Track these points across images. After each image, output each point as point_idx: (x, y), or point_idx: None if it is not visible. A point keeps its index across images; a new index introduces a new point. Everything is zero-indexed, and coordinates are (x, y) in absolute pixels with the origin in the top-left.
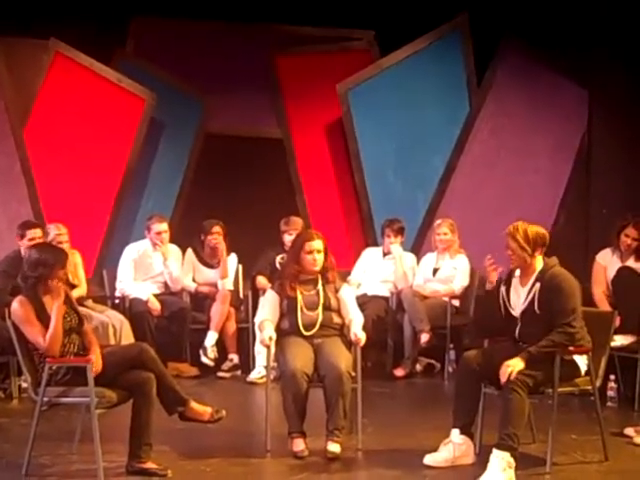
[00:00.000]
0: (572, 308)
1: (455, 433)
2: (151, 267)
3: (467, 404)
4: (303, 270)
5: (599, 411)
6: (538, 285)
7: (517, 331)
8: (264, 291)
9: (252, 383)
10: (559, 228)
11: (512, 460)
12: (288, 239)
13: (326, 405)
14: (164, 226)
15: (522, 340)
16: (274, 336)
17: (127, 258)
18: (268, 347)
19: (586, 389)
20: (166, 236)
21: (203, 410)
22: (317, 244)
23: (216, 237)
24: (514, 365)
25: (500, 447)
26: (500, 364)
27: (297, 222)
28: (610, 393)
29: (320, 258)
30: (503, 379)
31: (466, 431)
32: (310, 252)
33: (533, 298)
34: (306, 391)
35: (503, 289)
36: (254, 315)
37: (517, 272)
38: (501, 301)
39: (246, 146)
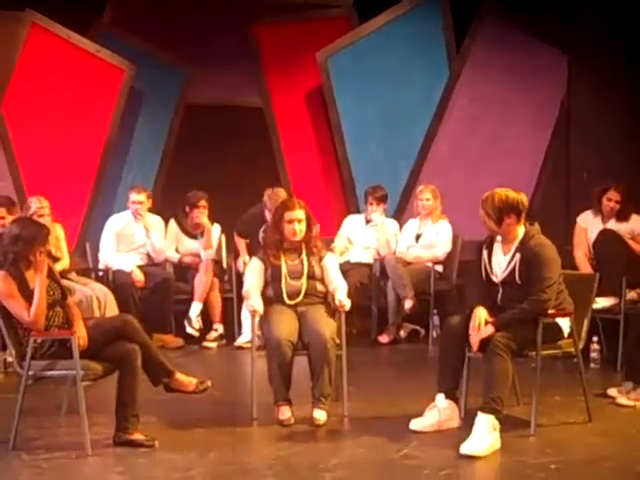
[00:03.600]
0: (547, 277)
1: (440, 398)
2: (133, 239)
3: (451, 369)
4: (285, 239)
5: (582, 373)
6: (519, 256)
7: (499, 297)
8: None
9: (240, 348)
10: (540, 193)
11: (497, 422)
12: (268, 215)
13: (311, 373)
14: (141, 197)
15: (503, 306)
16: (261, 306)
17: (109, 230)
18: (254, 314)
19: (569, 351)
20: (143, 207)
21: (188, 381)
22: (298, 213)
23: (202, 211)
24: (483, 333)
25: (485, 410)
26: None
27: (281, 194)
28: (593, 355)
29: (301, 228)
30: (474, 348)
31: (451, 395)
32: (290, 222)
33: (514, 268)
34: (291, 359)
35: (485, 254)
36: (238, 285)
37: (499, 237)
38: (482, 266)
39: (227, 115)
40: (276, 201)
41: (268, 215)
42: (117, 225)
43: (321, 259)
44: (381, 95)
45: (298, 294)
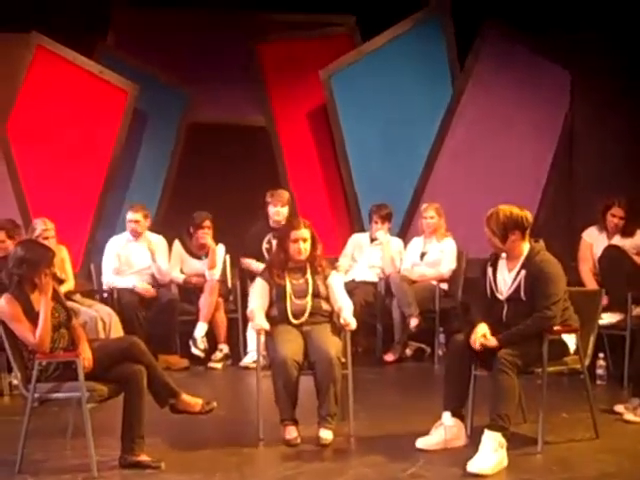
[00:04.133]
0: (552, 293)
1: (446, 416)
2: (133, 259)
3: (457, 387)
4: (290, 259)
5: (589, 389)
6: (524, 272)
7: (504, 314)
8: (251, 274)
9: (245, 368)
10: (544, 209)
11: (504, 440)
12: (273, 211)
13: (317, 392)
14: (138, 215)
15: (508, 323)
16: (266, 325)
17: (110, 251)
18: (259, 334)
19: (575, 368)
20: (140, 226)
21: (194, 402)
22: (303, 233)
23: (206, 231)
24: (486, 340)
25: (491, 428)
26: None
27: (283, 194)
28: (599, 371)
29: (306, 247)
30: (475, 346)
31: (457, 413)
32: (296, 241)
33: (519, 284)
34: (297, 378)
35: (490, 271)
36: (243, 305)
37: (503, 254)
38: (487, 284)
39: (230, 135)
40: (279, 199)
41: (272, 210)
42: (117, 246)
43: (326, 278)
44: (384, 113)
45: (303, 313)
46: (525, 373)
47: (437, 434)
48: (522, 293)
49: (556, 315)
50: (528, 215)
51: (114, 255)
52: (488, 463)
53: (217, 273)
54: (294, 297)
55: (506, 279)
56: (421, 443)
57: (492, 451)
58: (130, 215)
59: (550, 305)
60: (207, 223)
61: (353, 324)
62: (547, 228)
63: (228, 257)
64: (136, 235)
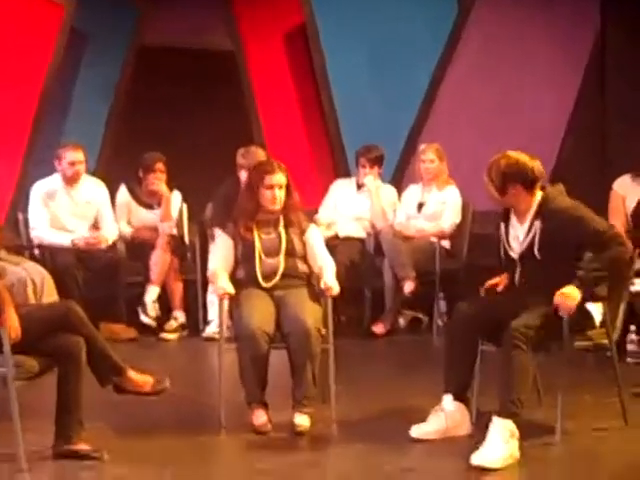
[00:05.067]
0: (598, 222)
1: (447, 399)
2: (71, 221)
3: (461, 365)
4: (261, 208)
5: (617, 368)
6: (538, 224)
7: (516, 276)
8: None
9: (206, 340)
10: (568, 152)
11: (515, 429)
12: (245, 176)
13: (291, 369)
14: (79, 155)
15: (521, 287)
16: (230, 289)
17: (37, 198)
18: (222, 299)
19: (602, 343)
20: (81, 167)
21: (143, 380)
22: (279, 178)
23: (158, 175)
24: (571, 296)
25: (502, 414)
26: (501, 315)
27: (258, 154)
28: (630, 347)
29: (281, 195)
30: (563, 313)
31: (460, 397)
32: (270, 187)
33: (532, 240)
34: (267, 353)
35: (502, 227)
36: (203, 265)
37: None
38: (501, 241)
39: (190, 61)
40: (254, 155)
41: (244, 176)
42: (46, 193)
43: (303, 233)
44: (376, 35)
45: (275, 274)
46: (541, 349)
47: (436, 421)
48: (536, 250)
49: (627, 241)
50: (538, 166)
51: (42, 203)
52: (497, 455)
53: (171, 226)
54: (264, 255)
55: (518, 234)
56: (416, 432)
57: (502, 441)
58: (70, 155)
59: (612, 229)
60: (160, 166)
61: (335, 288)
62: (572, 176)
63: (185, 207)
64: (74, 180)
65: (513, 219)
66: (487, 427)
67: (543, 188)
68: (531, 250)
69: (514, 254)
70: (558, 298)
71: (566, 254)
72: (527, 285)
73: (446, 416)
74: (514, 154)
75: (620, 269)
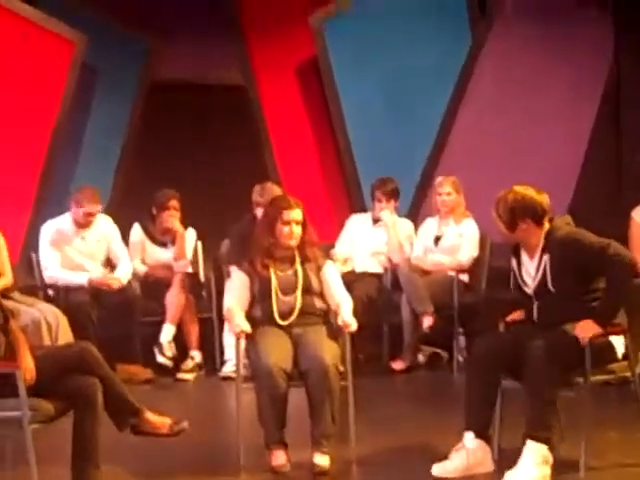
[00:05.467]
0: (598, 241)
1: (468, 437)
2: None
3: (482, 402)
4: (277, 245)
5: None
6: (547, 258)
7: (534, 313)
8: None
9: (223, 379)
10: (584, 185)
11: (549, 456)
12: (261, 213)
13: (310, 408)
14: (98, 207)
15: (541, 321)
16: (247, 327)
17: (46, 238)
18: (239, 338)
19: (625, 376)
20: (93, 218)
21: (161, 421)
22: (296, 214)
23: (172, 213)
24: (587, 326)
25: (535, 437)
26: (521, 350)
27: (274, 190)
28: None
29: (298, 230)
30: (583, 343)
31: (482, 434)
32: (287, 223)
33: (544, 274)
34: (285, 392)
35: (514, 262)
36: (219, 303)
37: None
38: (512, 277)
39: (202, 96)
40: (270, 191)
41: (260, 213)
42: (56, 232)
43: (319, 269)
44: (390, 68)
45: (292, 312)
46: (563, 384)
47: (458, 459)
48: (550, 284)
49: (626, 252)
50: (545, 200)
51: (52, 244)
52: (528, 477)
53: (186, 264)
54: (281, 293)
55: (529, 270)
56: (438, 470)
57: (534, 465)
58: (88, 206)
59: (609, 246)
60: (174, 203)
61: (353, 325)
62: (590, 208)
63: (200, 245)
64: (86, 226)
65: (524, 255)
66: (509, 464)
67: (551, 220)
68: (544, 284)
69: (529, 290)
70: (577, 330)
71: (579, 282)
72: (546, 320)
73: (467, 454)
74: (521, 189)
75: (632, 291)
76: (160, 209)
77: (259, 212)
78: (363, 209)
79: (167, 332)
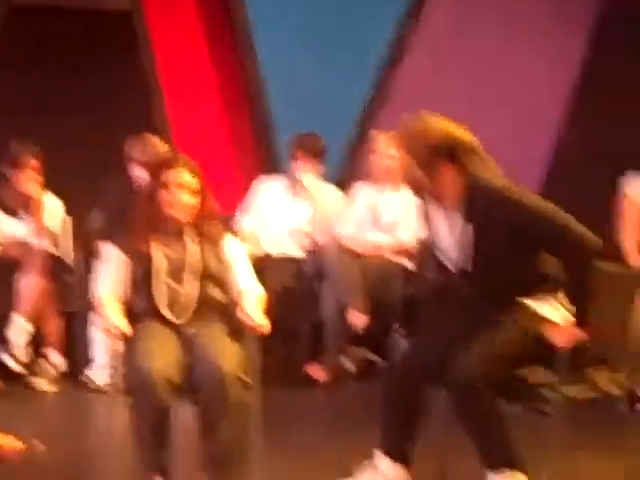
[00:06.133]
0: (554, 211)
1: (381, 458)
2: None
3: (401, 416)
4: (164, 217)
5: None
6: (459, 216)
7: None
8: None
9: (90, 390)
10: (569, 139)
11: (520, 476)
12: (140, 174)
13: (202, 429)
14: None
15: (468, 303)
16: (125, 327)
17: None
18: (116, 338)
19: (608, 391)
20: None
21: (8, 445)
22: (184, 176)
23: (30, 175)
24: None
25: (492, 467)
26: (448, 342)
27: (155, 144)
28: None
29: (186, 199)
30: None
31: (399, 457)
32: (170, 188)
33: (465, 239)
34: (168, 407)
35: (426, 225)
36: (87, 292)
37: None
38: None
39: (73, 24)
40: (150, 153)
41: (138, 174)
42: None
43: (217, 247)
44: None
45: (183, 304)
46: (515, 397)
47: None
48: (471, 254)
49: (590, 234)
50: (468, 136)
51: None
52: None
53: (47, 241)
54: (169, 277)
55: (444, 233)
56: None
57: None
58: None
59: (570, 226)
60: (31, 162)
61: (262, 323)
62: (573, 171)
63: (68, 219)
64: None
65: (433, 211)
66: None
67: (473, 163)
68: (469, 252)
69: (448, 261)
70: (555, 337)
71: (510, 254)
72: (475, 298)
73: (375, 475)
74: (434, 118)
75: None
76: (15, 167)
77: (136, 172)
78: (277, 171)
79: (20, 329)
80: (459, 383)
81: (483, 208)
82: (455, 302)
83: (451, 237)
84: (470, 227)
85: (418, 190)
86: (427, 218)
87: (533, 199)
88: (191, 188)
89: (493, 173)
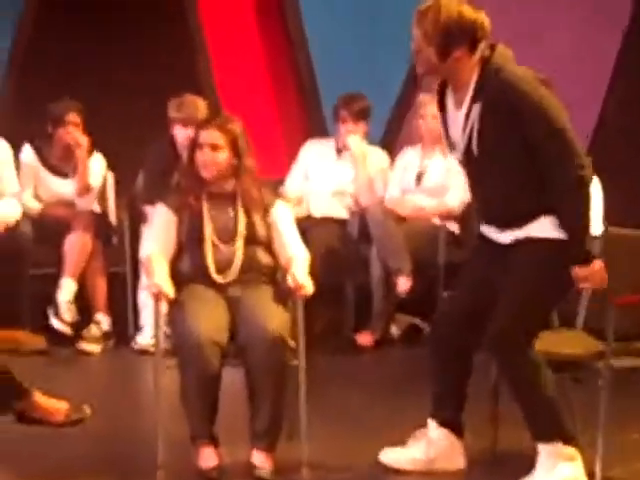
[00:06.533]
0: (556, 126)
1: (432, 426)
2: None
3: (448, 382)
4: (205, 179)
5: None
6: (478, 106)
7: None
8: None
9: (138, 352)
10: (609, 112)
11: (572, 449)
12: (181, 134)
13: (249, 394)
14: None
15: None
16: (169, 289)
17: None
18: (159, 298)
19: None
20: None
21: (54, 406)
22: (210, 135)
23: (72, 129)
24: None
25: (541, 438)
26: (486, 301)
27: (197, 104)
28: None
29: (215, 158)
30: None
31: (449, 423)
32: (200, 147)
33: (472, 129)
34: (218, 372)
35: (440, 117)
36: (133, 253)
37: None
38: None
39: None
40: (192, 114)
41: (180, 134)
42: None
43: (267, 212)
44: None
45: (230, 267)
46: (560, 369)
47: (415, 448)
48: (474, 143)
49: (585, 162)
50: (485, 20)
51: None
52: None
53: (92, 200)
54: (218, 240)
55: (458, 122)
56: (388, 457)
57: (553, 469)
58: None
59: (564, 143)
60: (73, 117)
61: (309, 286)
62: (612, 141)
63: (111, 176)
64: None
65: (450, 103)
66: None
67: (492, 48)
68: (471, 145)
69: (457, 154)
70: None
71: (513, 151)
72: (484, 216)
73: (428, 444)
74: (452, 1)
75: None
76: (56, 124)
77: (179, 133)
78: (324, 134)
79: (66, 289)
80: (497, 343)
81: (495, 90)
82: (485, 249)
83: (461, 124)
84: (478, 105)
85: (426, 71)
86: (442, 108)
87: (552, 104)
88: (218, 147)
89: (503, 54)
